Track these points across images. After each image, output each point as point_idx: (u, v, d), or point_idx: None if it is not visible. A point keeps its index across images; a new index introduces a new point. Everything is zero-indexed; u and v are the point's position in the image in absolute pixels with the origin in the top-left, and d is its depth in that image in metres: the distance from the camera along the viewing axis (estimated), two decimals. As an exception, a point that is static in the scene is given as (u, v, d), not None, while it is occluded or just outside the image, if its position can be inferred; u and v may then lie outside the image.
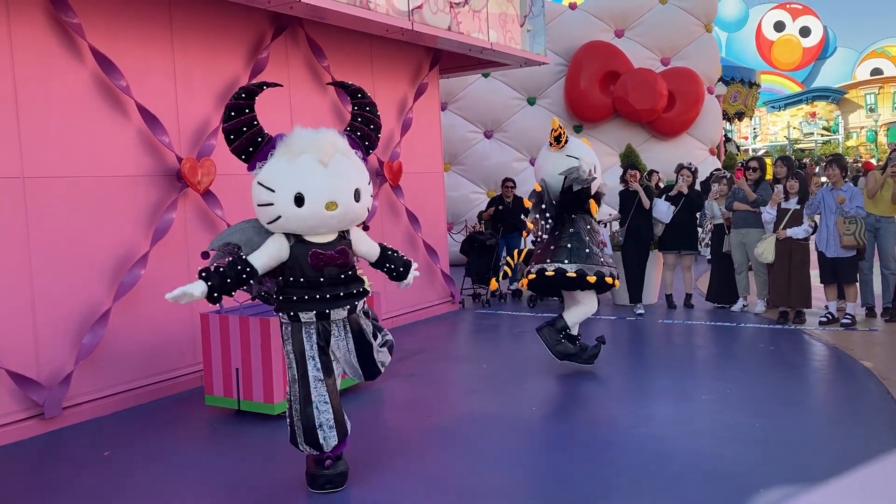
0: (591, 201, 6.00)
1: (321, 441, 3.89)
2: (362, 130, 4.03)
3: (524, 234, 6.32)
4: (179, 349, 6.17)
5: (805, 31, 46.23)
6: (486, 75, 13.34)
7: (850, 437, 4.60)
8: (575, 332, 6.24)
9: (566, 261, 5.81)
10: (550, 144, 6.02)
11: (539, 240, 6.11)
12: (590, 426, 5.03)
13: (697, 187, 9.40)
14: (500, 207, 10.21)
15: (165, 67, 6.11)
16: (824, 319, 7.83)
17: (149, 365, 5.93)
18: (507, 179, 10.45)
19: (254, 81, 3.77)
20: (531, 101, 13.75)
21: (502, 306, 9.73)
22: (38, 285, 5.24)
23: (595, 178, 6.00)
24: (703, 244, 10.77)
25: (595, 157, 6.15)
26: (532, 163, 13.52)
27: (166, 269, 6.04)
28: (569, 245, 5.88)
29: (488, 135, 13.78)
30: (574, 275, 5.78)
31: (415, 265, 4.37)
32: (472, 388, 6.16)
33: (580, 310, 6.16)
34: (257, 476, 4.30)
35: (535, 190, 6.10)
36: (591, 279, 5.78)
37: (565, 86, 13.50)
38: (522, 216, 10.07)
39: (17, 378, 5.06)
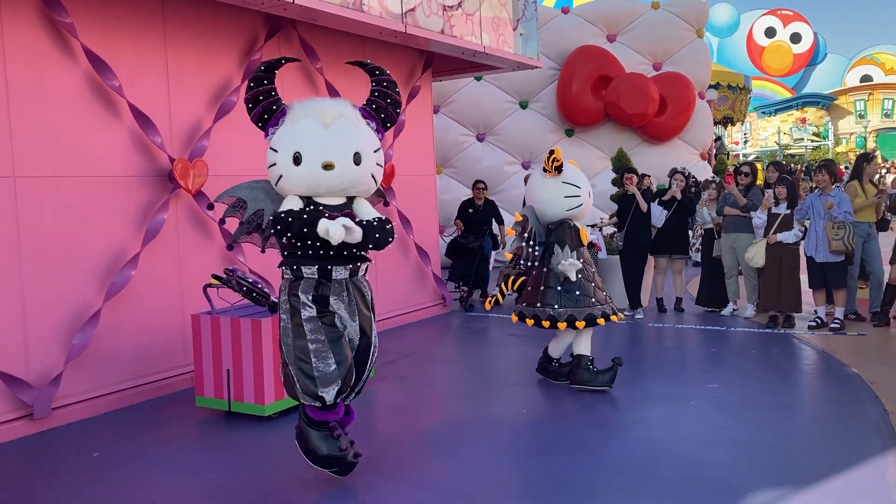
0: (581, 228, 5.90)
1: (319, 392, 3.85)
2: (377, 103, 4.06)
3: (507, 254, 6.15)
4: (170, 350, 6.15)
5: (796, 38, 46.52)
6: (478, 78, 13.36)
7: (839, 441, 4.64)
8: (557, 354, 6.19)
9: (556, 305, 5.72)
10: (546, 171, 5.84)
11: (529, 264, 5.95)
12: (580, 429, 5.04)
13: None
14: (471, 210, 10.09)
15: (158, 68, 6.10)
16: (813, 324, 7.89)
17: (139, 366, 5.91)
18: (477, 181, 10.37)
19: (275, 58, 4.03)
20: (523, 105, 13.79)
21: (492, 309, 9.73)
22: (29, 285, 5.22)
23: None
24: (693, 249, 10.83)
25: (587, 183, 6.01)
26: (525, 166, 13.56)
27: (157, 269, 6.03)
28: (559, 287, 5.76)
29: (480, 138, 13.80)
30: (564, 325, 5.72)
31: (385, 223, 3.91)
32: (462, 390, 6.17)
33: (562, 342, 6.10)
34: (247, 477, 4.29)
35: (516, 220, 5.99)
36: (580, 325, 5.71)
37: (557, 90, 13.54)
38: (495, 221, 10.07)
39: (6, 378, 5.03)
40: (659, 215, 8.93)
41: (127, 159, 5.86)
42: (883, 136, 41.68)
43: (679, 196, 8.94)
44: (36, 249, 5.27)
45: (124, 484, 4.28)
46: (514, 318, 6.02)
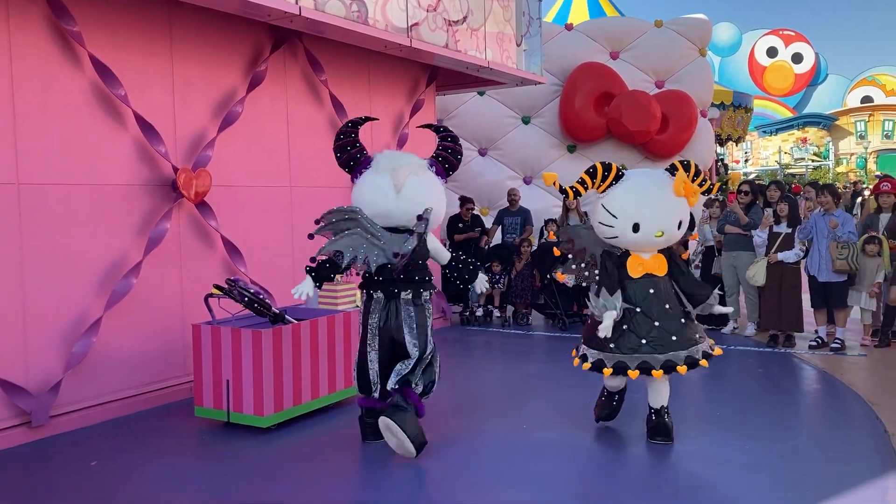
0: (634, 256, 4.81)
1: None
2: (443, 156, 5.00)
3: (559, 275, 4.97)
4: (170, 359, 6.14)
5: (797, 58, 46.72)
6: (481, 93, 13.40)
7: (839, 462, 4.61)
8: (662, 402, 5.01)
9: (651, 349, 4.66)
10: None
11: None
12: (578, 444, 5.02)
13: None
14: (460, 226, 10.07)
15: (164, 77, 6.12)
16: (814, 343, 7.87)
17: (139, 375, 5.90)
18: (466, 200, 10.29)
19: (357, 117, 5.07)
20: (525, 120, 13.82)
21: (491, 324, 9.73)
22: (30, 292, 5.22)
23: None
24: (692, 266, 10.82)
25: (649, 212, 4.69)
26: (526, 181, 13.58)
27: (159, 278, 6.03)
28: (624, 326, 4.70)
29: (482, 152, 13.82)
30: (660, 373, 4.64)
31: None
32: (464, 404, 6.15)
33: (663, 389, 5.00)
34: (244, 489, 4.27)
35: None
36: (682, 369, 4.66)
37: (560, 106, 13.57)
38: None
39: (4, 385, 5.02)
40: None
41: (131, 168, 5.87)
42: (883, 157, 41.77)
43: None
44: (38, 256, 5.27)
45: (121, 494, 4.26)
46: (582, 363, 4.93)
